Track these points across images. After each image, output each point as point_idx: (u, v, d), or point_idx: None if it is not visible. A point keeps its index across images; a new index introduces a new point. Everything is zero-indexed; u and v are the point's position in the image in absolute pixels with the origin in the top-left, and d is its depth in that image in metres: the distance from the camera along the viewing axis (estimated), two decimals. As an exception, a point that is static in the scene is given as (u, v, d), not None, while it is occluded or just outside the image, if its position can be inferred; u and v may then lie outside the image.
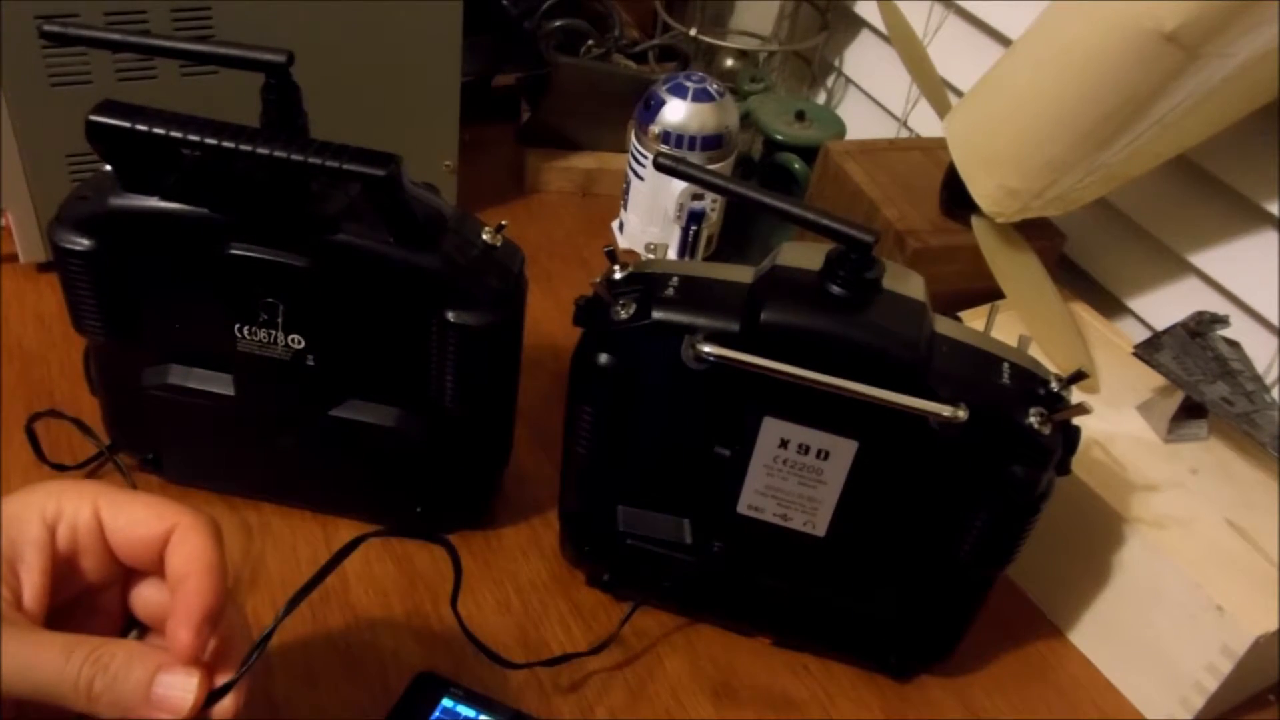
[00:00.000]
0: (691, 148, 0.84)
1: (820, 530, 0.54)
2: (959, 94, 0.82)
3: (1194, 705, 0.58)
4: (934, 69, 0.81)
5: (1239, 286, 0.73)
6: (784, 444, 0.51)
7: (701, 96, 0.84)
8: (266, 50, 0.51)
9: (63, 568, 0.37)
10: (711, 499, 0.55)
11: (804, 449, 0.51)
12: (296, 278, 0.53)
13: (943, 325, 0.51)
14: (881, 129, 1.03)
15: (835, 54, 1.10)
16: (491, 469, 0.65)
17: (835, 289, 0.48)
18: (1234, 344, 0.66)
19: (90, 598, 0.39)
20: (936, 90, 0.80)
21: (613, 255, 0.53)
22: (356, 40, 0.74)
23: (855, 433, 0.50)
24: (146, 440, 0.62)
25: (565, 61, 0.96)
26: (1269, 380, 0.71)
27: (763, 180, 0.93)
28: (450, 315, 0.53)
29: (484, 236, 0.55)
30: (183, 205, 0.52)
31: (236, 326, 0.55)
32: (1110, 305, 0.82)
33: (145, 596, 0.40)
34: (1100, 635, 0.62)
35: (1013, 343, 0.52)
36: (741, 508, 0.54)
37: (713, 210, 0.86)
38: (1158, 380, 0.66)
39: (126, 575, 0.40)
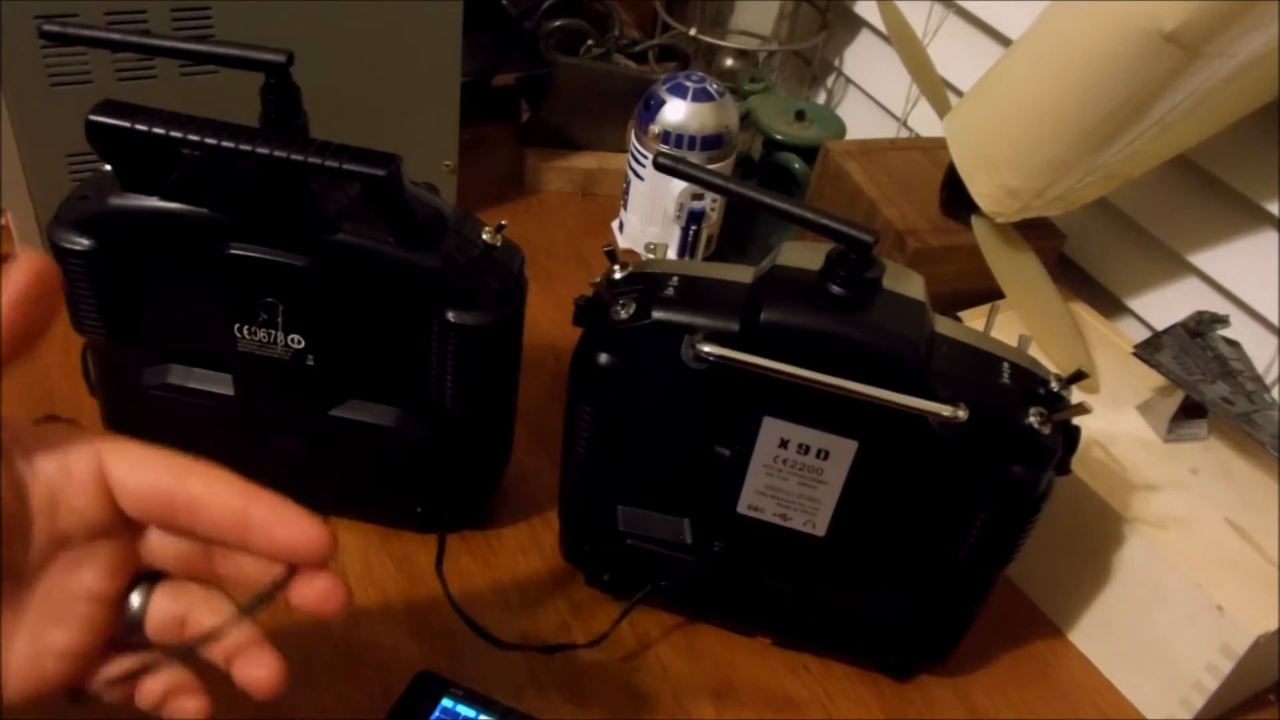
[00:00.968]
0: (691, 147, 0.84)
1: (820, 530, 0.54)
2: (959, 94, 0.82)
3: (1194, 705, 0.58)
4: (934, 69, 0.81)
5: (1239, 286, 0.73)
6: (784, 444, 0.51)
7: (701, 96, 0.84)
8: (266, 50, 0.51)
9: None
10: (711, 499, 0.55)
11: (804, 449, 0.51)
12: (296, 278, 0.53)
13: (943, 325, 0.51)
14: (881, 129, 1.03)
15: (835, 54, 1.10)
16: (491, 469, 0.65)
17: (835, 289, 0.48)
18: (1234, 344, 0.66)
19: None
20: (936, 90, 0.80)
21: (613, 255, 0.53)
22: (356, 40, 0.74)
23: (855, 433, 0.50)
24: (146, 440, 0.62)
25: (565, 61, 0.96)
26: (1269, 380, 0.71)
27: (763, 180, 0.93)
28: (450, 315, 0.53)
29: (484, 236, 0.55)
30: (183, 205, 0.52)
31: (236, 326, 0.55)
32: (1110, 305, 0.82)
33: (161, 545, 0.38)
34: (1100, 635, 0.62)
35: (1013, 343, 0.52)
36: (741, 508, 0.54)
37: (713, 210, 0.86)
38: (1158, 380, 0.66)
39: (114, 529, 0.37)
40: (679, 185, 0.83)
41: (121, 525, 0.37)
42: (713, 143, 0.84)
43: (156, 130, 0.48)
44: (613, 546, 0.59)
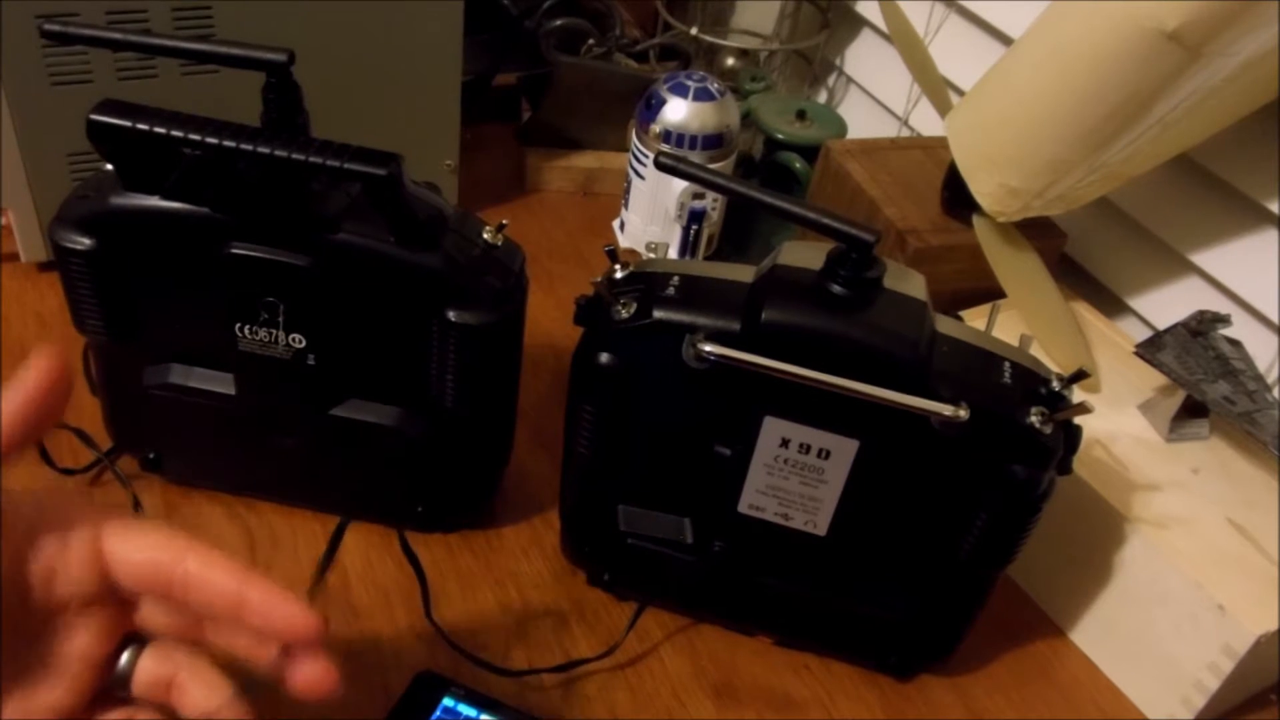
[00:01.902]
0: (692, 147, 0.84)
1: (821, 530, 0.54)
2: (960, 93, 0.82)
3: (1195, 705, 0.57)
4: (935, 68, 0.81)
5: (1240, 285, 0.72)
6: (785, 443, 0.51)
7: (702, 95, 0.84)
8: (267, 49, 0.51)
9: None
10: (712, 498, 0.55)
11: (805, 448, 0.51)
12: (297, 277, 0.53)
13: (944, 324, 0.51)
14: (882, 128, 1.03)
15: (836, 53, 1.10)
16: (492, 469, 0.65)
17: (836, 288, 0.48)
18: (1236, 343, 0.66)
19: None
20: (937, 89, 0.79)
21: (613, 254, 0.53)
22: (357, 40, 0.74)
23: (856, 432, 0.50)
24: (147, 440, 0.62)
25: (566, 61, 0.96)
26: (1270, 379, 0.71)
27: (764, 179, 0.93)
28: (451, 315, 0.53)
29: (485, 236, 0.55)
30: (183, 204, 0.52)
31: (237, 326, 0.55)
32: (1111, 304, 0.82)
33: (154, 613, 0.40)
34: (1101, 635, 0.62)
35: (1014, 342, 0.52)
36: (742, 507, 0.54)
37: (713, 209, 0.86)
38: (1159, 379, 0.66)
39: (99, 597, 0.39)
40: (680, 184, 0.83)
41: (117, 594, 0.38)
42: (714, 142, 0.84)
43: (157, 130, 0.48)
44: (613, 546, 0.59)
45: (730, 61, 1.13)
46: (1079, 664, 0.63)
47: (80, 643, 0.38)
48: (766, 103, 0.95)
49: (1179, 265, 0.77)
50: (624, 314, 0.51)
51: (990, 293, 0.72)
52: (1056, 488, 0.51)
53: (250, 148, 0.48)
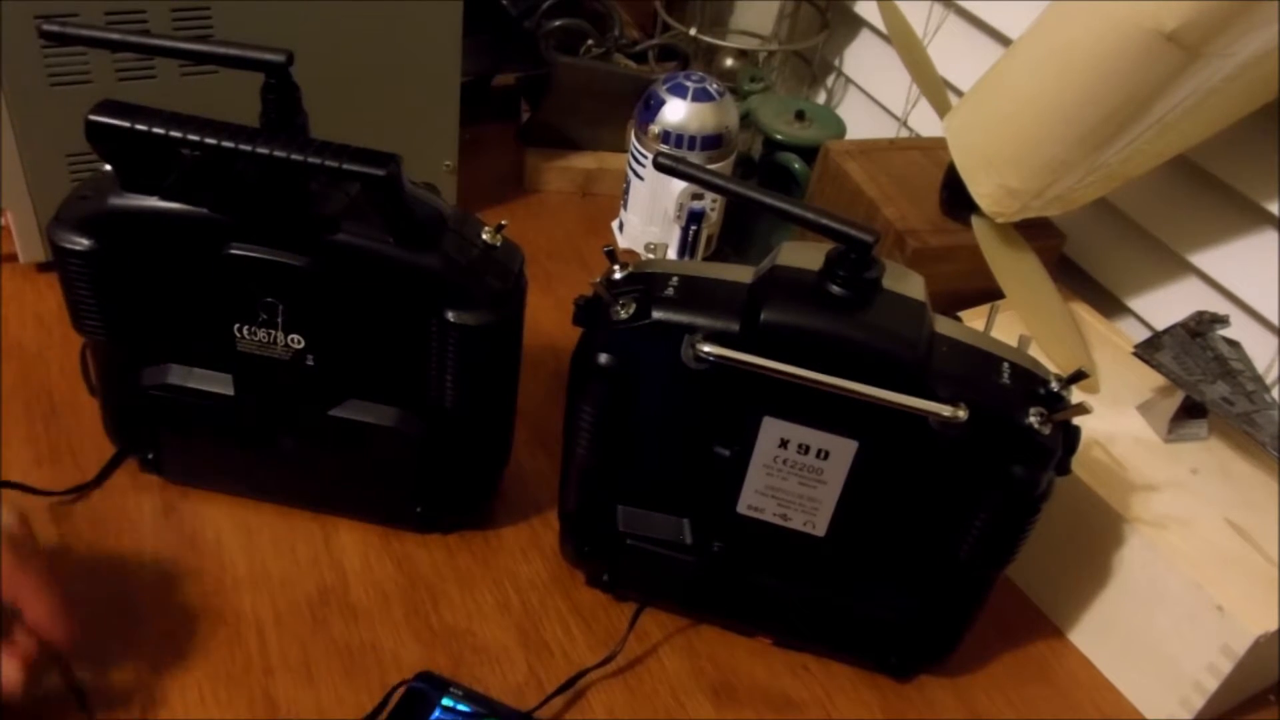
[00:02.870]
0: (691, 147, 0.84)
1: (820, 530, 0.54)
2: (959, 94, 0.82)
3: (1194, 705, 0.58)
4: (934, 69, 0.81)
5: (1239, 286, 0.72)
6: (784, 444, 0.51)
7: (701, 96, 0.84)
8: (266, 50, 0.51)
9: None
10: (711, 499, 0.55)
11: (804, 449, 0.51)
12: (296, 278, 0.53)
13: (943, 325, 0.51)
14: (881, 129, 1.03)
15: (835, 54, 1.10)
16: (491, 469, 0.65)
17: (835, 289, 0.48)
18: (1234, 344, 0.66)
19: None
20: (936, 90, 0.80)
21: (612, 255, 0.53)
22: (356, 40, 0.74)
23: (855, 433, 0.50)
24: (146, 440, 0.62)
25: (565, 61, 0.96)
26: (1269, 380, 0.71)
27: (763, 180, 0.93)
28: (450, 315, 0.53)
29: (484, 236, 0.55)
30: (182, 205, 0.52)
31: (236, 326, 0.55)
32: (1110, 305, 0.82)
33: None
34: (1100, 635, 0.62)
35: (1013, 342, 0.52)
36: (741, 508, 0.54)
37: (712, 210, 0.86)
38: (1158, 380, 0.66)
39: None
40: (679, 185, 0.83)
41: None
42: (713, 142, 0.84)
43: (156, 130, 0.48)
44: (613, 546, 0.59)
45: (729, 62, 1.13)
46: (1078, 664, 0.63)
47: None
48: (765, 103, 0.95)
49: (1178, 266, 0.77)
50: (623, 315, 0.51)
51: (989, 293, 0.72)
52: (1055, 488, 0.51)
53: (249, 148, 0.48)
